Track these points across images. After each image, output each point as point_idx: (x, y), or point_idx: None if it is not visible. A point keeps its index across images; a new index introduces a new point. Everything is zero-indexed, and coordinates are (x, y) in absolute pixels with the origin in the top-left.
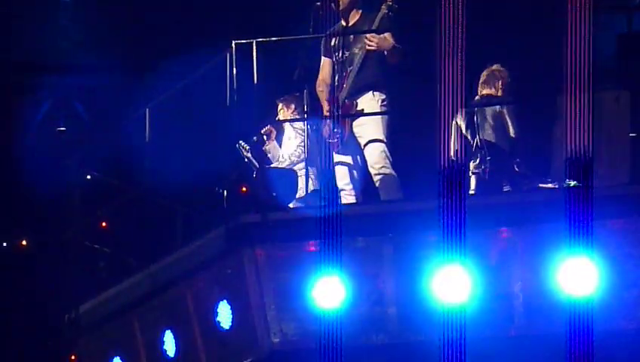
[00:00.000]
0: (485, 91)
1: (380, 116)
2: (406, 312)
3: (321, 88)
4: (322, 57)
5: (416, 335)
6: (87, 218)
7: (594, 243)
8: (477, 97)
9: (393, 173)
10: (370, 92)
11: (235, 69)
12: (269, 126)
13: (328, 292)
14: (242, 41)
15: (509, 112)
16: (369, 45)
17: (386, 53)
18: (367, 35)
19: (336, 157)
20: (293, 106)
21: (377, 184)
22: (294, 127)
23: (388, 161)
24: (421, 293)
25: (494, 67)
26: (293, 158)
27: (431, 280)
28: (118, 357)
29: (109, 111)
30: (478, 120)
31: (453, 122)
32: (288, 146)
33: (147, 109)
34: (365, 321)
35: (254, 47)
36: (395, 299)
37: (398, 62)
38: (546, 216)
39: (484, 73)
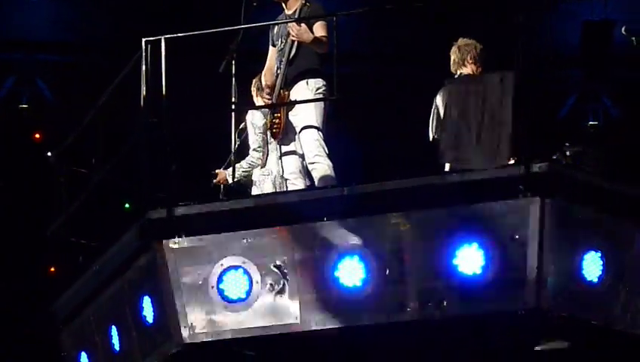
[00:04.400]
0: (463, 71)
1: (313, 104)
2: (308, 300)
3: (267, 77)
4: (269, 46)
5: (323, 324)
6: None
7: (480, 225)
8: (456, 77)
9: (327, 161)
10: (304, 81)
11: (145, 66)
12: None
13: (236, 283)
14: (151, 39)
15: None
16: (292, 36)
17: (312, 47)
18: (290, 26)
19: (280, 148)
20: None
21: (312, 173)
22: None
23: (322, 149)
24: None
25: (461, 42)
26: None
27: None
28: (84, 352)
29: (75, 90)
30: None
31: (434, 102)
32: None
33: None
34: (270, 312)
35: (162, 44)
36: (297, 289)
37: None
38: (439, 199)
39: (454, 50)
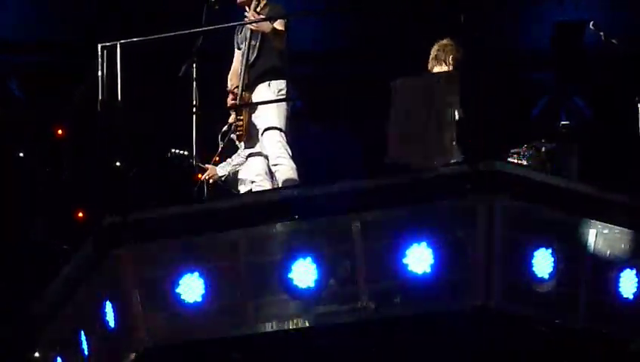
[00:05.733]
0: (436, 68)
1: (275, 105)
2: (263, 303)
3: (233, 81)
4: (235, 50)
5: (278, 326)
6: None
7: (429, 224)
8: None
9: (290, 162)
10: (265, 83)
11: (102, 72)
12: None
13: (191, 287)
14: (107, 44)
15: None
16: (251, 26)
17: (271, 39)
18: (249, 15)
19: (245, 150)
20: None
21: (276, 174)
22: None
23: (284, 151)
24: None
25: (444, 41)
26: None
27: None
28: (59, 357)
29: (46, 90)
30: None
31: None
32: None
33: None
34: (225, 315)
35: (118, 49)
36: (251, 291)
37: (285, 48)
38: (388, 199)
39: (435, 48)
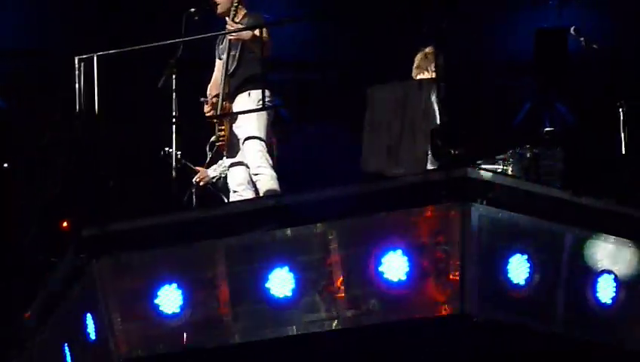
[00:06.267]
0: (420, 76)
1: (255, 114)
2: (240, 312)
3: (212, 91)
4: (216, 60)
5: (256, 335)
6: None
7: (404, 232)
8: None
9: (271, 171)
10: (246, 92)
11: (79, 84)
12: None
13: (169, 298)
14: (84, 56)
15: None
16: (230, 36)
17: (251, 47)
18: (228, 25)
19: (227, 161)
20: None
21: (257, 184)
22: None
23: (265, 160)
24: (255, 292)
25: (427, 49)
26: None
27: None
28: None
29: (29, 98)
30: None
31: None
32: None
33: None
34: (204, 325)
35: (95, 61)
36: (229, 301)
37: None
38: (364, 207)
39: (418, 57)
